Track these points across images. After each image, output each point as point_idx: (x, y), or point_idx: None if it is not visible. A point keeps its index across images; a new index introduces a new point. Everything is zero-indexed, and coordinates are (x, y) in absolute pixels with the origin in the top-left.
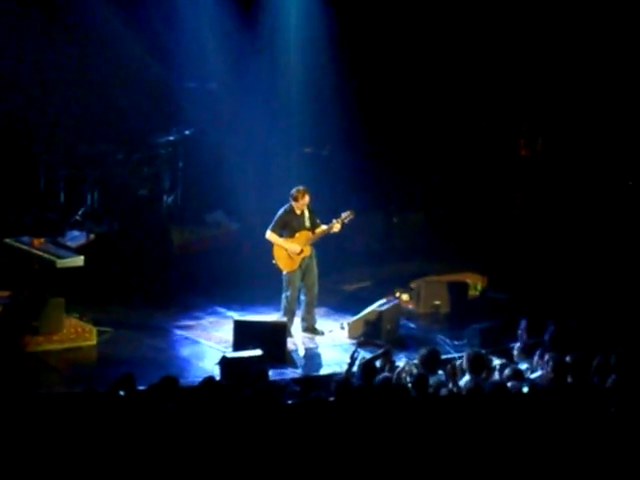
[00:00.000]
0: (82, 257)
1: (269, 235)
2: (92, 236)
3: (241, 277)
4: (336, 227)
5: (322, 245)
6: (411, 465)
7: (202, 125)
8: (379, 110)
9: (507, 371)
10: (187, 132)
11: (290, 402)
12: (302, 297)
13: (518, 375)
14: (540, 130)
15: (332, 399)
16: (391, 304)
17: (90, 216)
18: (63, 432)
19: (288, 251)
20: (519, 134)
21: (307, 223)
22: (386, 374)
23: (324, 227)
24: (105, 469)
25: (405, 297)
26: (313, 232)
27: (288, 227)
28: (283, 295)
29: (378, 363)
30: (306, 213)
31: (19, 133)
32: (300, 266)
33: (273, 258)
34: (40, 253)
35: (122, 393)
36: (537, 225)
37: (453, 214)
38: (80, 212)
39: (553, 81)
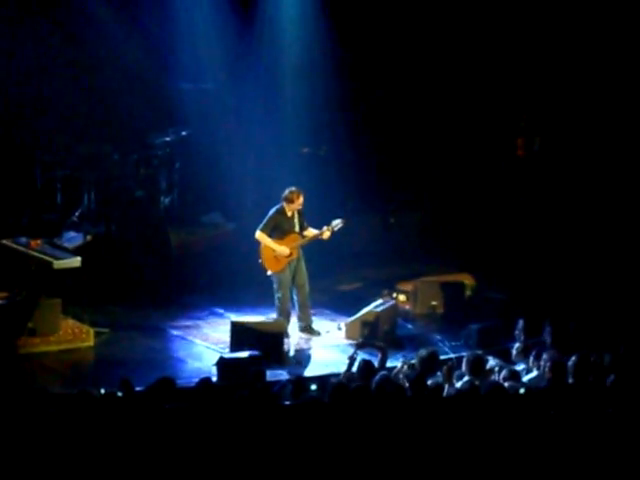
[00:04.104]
0: (79, 258)
1: (259, 235)
2: (89, 237)
3: (238, 278)
4: (325, 234)
5: (318, 246)
6: (407, 465)
7: (199, 126)
8: (376, 110)
9: (504, 372)
10: (184, 133)
11: (287, 403)
12: (294, 297)
13: (515, 376)
14: (537, 130)
15: (328, 400)
16: (388, 305)
17: (87, 217)
18: (59, 433)
19: (276, 252)
20: (516, 133)
21: (297, 226)
22: (384, 372)
23: (314, 232)
24: (101, 470)
25: (402, 298)
26: (302, 236)
27: (278, 229)
28: (275, 297)
29: (376, 363)
30: (296, 216)
31: (16, 133)
32: (289, 267)
33: (259, 257)
34: (37, 254)
35: (119, 394)
36: (534, 225)
37: (450, 215)
38: (77, 213)
39: (551, 80)
